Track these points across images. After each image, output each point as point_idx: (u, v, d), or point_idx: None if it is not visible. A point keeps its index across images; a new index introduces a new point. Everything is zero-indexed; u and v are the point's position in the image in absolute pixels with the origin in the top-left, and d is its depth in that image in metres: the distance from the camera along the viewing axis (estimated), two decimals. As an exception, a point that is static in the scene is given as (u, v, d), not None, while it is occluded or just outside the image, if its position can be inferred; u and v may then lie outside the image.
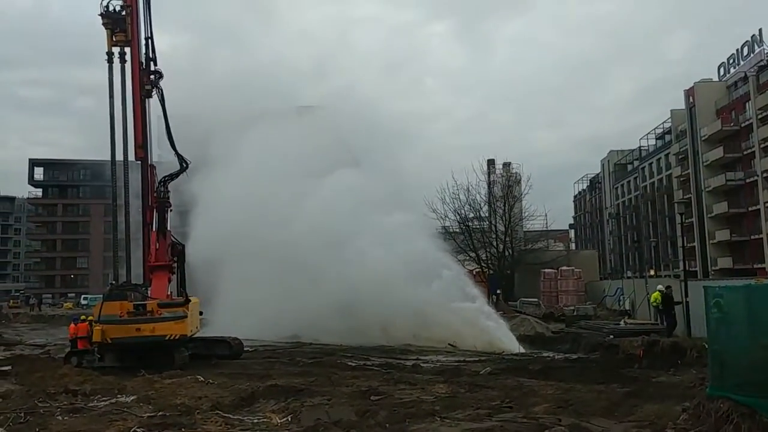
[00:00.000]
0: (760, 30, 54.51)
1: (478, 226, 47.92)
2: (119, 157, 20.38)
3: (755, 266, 50.59)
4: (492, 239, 46.93)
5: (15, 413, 11.53)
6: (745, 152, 54.85)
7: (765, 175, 50.81)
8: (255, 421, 10.64)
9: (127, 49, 20.18)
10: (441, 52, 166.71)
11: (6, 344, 26.88)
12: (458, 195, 46.16)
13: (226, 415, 10.99)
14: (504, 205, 46.94)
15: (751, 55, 55.75)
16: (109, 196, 22.04)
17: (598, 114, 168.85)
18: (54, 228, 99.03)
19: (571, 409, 11.17)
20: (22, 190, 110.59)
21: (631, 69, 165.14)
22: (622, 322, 26.43)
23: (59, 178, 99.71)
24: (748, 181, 54.30)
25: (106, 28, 20.13)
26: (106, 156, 20.53)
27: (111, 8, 20.10)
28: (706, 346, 12.57)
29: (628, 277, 54.51)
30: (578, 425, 9.82)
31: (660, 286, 26.98)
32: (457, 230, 46.61)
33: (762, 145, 51.53)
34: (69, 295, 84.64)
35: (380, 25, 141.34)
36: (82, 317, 21.39)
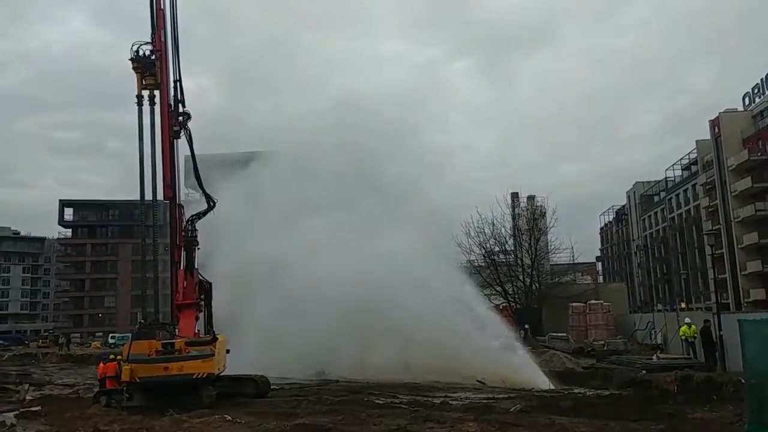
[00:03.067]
0: (784, 59, 54.24)
1: (503, 260, 47.58)
2: (148, 196, 20.78)
3: (790, 298, 49.23)
4: (518, 273, 46.50)
5: (46, 453, 11.61)
6: (773, 182, 53.99)
7: (796, 204, 49.85)
8: (283, 460, 10.56)
9: (157, 92, 20.69)
10: (465, 88, 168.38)
11: (35, 384, 27.08)
12: (483, 229, 46.09)
13: (254, 454, 10.92)
14: (530, 238, 46.61)
15: (776, 84, 55.32)
16: (136, 235, 22.50)
17: (623, 145, 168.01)
18: (83, 267, 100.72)
19: (605, 447, 10.89)
20: (53, 230, 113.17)
21: (656, 100, 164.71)
22: (654, 357, 25.81)
23: (88, 218, 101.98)
24: (778, 210, 53.30)
25: (136, 72, 20.69)
26: (136, 195, 20.94)
27: (141, 53, 20.71)
28: (743, 380, 12.24)
29: (659, 311, 53.33)
30: (613, 464, 9.57)
31: (687, 320, 26.43)
32: (483, 264, 46.31)
33: (791, 174, 50.74)
34: (97, 333, 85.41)
35: (404, 62, 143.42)
36: (111, 356, 21.55)
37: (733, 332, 18.58)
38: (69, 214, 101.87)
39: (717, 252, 51.69)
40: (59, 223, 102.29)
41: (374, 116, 32.52)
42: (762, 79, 57.39)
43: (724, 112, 61.05)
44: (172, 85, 21.00)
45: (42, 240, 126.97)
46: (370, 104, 32.66)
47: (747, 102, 60.46)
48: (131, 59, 20.67)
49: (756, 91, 58.62)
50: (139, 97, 20.69)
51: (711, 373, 20.51)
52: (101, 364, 20.91)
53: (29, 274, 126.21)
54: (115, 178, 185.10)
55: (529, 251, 46.23)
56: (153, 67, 20.61)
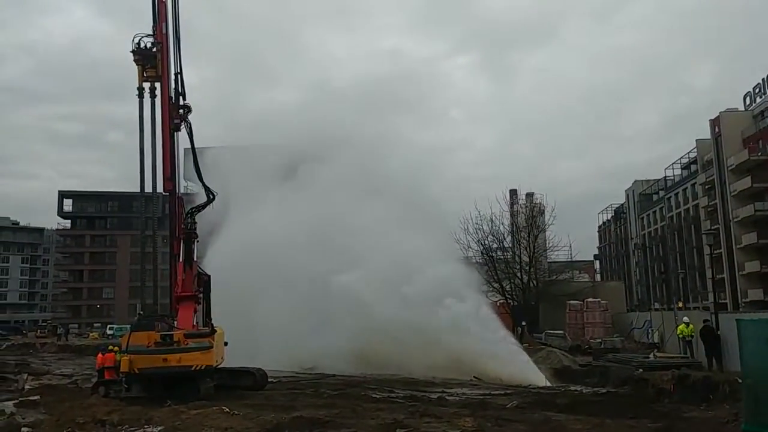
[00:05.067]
0: (786, 59, 54.20)
1: (501, 257, 47.59)
2: (148, 188, 20.81)
3: (787, 298, 49.37)
4: (516, 270, 46.51)
5: (44, 443, 11.66)
6: (773, 182, 54.01)
7: (795, 205, 49.91)
8: (281, 453, 10.60)
9: (158, 85, 20.71)
10: (465, 84, 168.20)
11: (34, 374, 27.19)
12: (481, 225, 46.06)
13: (251, 446, 10.97)
14: (528, 236, 46.60)
15: (777, 84, 55.32)
16: (135, 227, 22.62)
17: (624, 144, 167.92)
18: (81, 259, 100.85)
19: (601, 444, 10.96)
20: (52, 221, 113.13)
21: (657, 99, 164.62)
22: (651, 356, 25.89)
23: (88, 209, 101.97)
24: (777, 211, 53.34)
25: (137, 65, 20.70)
26: (136, 188, 20.96)
27: (142, 45, 20.70)
28: (740, 380, 12.31)
29: (656, 309, 53.52)
30: (609, 461, 9.64)
31: (686, 318, 26.52)
32: (481, 261, 46.32)
33: (791, 175, 50.77)
34: (95, 325, 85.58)
35: (406, 56, 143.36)
36: (110, 347, 21.61)
37: (731, 332, 18.68)
38: (68, 205, 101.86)
39: (715, 252, 51.80)
40: (58, 214, 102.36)
41: (373, 111, 32.56)
42: (763, 79, 57.37)
43: (724, 111, 61.05)
44: (173, 77, 21.00)
45: (41, 231, 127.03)
46: (369, 98, 32.63)
47: (748, 102, 60.48)
48: (132, 51, 20.66)
49: (757, 90, 58.61)
50: (140, 90, 20.70)
51: (711, 372, 20.62)
52: (100, 355, 21.01)
53: (28, 265, 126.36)
54: (116, 171, 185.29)
55: (528, 248, 46.22)
56: (154, 60, 20.61)
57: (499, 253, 47.73)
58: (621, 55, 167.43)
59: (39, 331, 71.48)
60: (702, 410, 15.43)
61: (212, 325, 19.42)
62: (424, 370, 24.54)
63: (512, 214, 49.89)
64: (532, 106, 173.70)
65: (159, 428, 13.14)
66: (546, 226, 48.11)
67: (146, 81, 20.71)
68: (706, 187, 63.91)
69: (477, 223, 45.87)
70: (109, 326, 70.81)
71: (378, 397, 18.42)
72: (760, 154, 55.57)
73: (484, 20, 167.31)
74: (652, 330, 33.02)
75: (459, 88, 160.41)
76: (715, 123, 60.96)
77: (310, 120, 32.55)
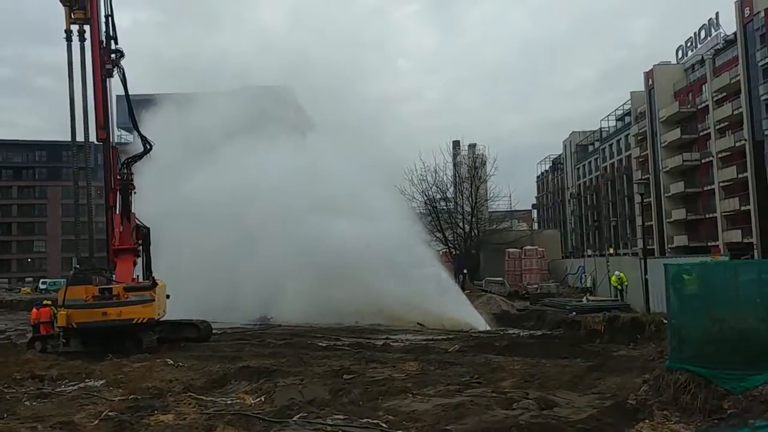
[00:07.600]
0: (717, 14, 55.78)
1: (444, 207, 48.33)
2: (80, 138, 19.85)
3: (709, 244, 52.31)
4: (458, 220, 47.42)
5: (-20, 399, 11.34)
6: (701, 133, 56.35)
7: (720, 155, 52.37)
8: (228, 402, 10.69)
9: (87, 27, 19.55)
10: (413, 33, 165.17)
11: (-37, 331, 26.14)
12: (426, 177, 46.49)
13: (199, 396, 11.00)
14: (470, 186, 47.41)
15: (708, 38, 57.05)
16: (65, 178, 21.60)
17: (565, 96, 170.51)
18: (9, 211, 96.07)
19: (537, 383, 11.56)
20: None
21: (597, 52, 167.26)
22: (584, 299, 27.21)
23: (13, 159, 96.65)
24: (703, 161, 55.85)
25: (64, 5, 19.46)
26: (68, 137, 19.95)
27: (68, -17, 19.39)
28: (665, 321, 13.14)
29: (589, 256, 55.84)
30: (544, 398, 10.18)
31: (617, 272, 27.77)
32: (424, 211, 46.92)
33: (717, 127, 52.97)
34: (26, 279, 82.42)
35: (351, 3, 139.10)
36: (45, 302, 20.96)
37: (658, 276, 19.79)
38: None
39: (645, 200, 54.12)
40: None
41: (321, 59, 31.89)
42: (695, 33, 59.05)
43: (658, 64, 62.78)
44: (103, 20, 19.87)
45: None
46: (316, 47, 31.88)
47: (680, 55, 62.30)
48: (58, -11, 19.33)
49: (689, 44, 60.35)
50: (68, 32, 19.54)
51: (634, 313, 21.91)
52: (34, 310, 20.37)
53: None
54: (44, 119, 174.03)
55: (470, 199, 47.09)
56: (82, 0, 19.38)
57: (442, 203, 48.43)
58: (564, 7, 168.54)
59: (-35, 286, 68.35)
60: (630, 349, 16.43)
61: (153, 278, 19.08)
62: (369, 317, 24.95)
63: (455, 165, 50.46)
64: (478, 57, 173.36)
65: (101, 382, 12.98)
66: (487, 177, 49.03)
67: (74, 23, 19.53)
68: (639, 138, 66.19)
69: (421, 174, 46.28)
70: (41, 280, 68.24)
71: (324, 345, 18.72)
72: (689, 106, 57.74)
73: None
74: (585, 275, 34.60)
75: (407, 37, 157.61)
76: (649, 76, 62.75)
77: (252, 67, 31.58)
